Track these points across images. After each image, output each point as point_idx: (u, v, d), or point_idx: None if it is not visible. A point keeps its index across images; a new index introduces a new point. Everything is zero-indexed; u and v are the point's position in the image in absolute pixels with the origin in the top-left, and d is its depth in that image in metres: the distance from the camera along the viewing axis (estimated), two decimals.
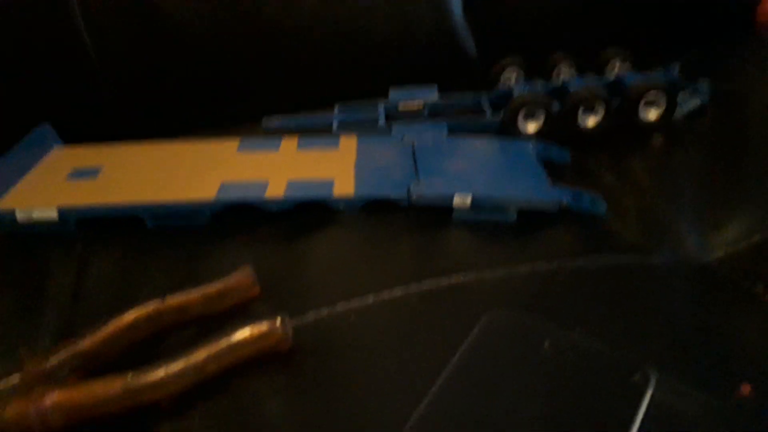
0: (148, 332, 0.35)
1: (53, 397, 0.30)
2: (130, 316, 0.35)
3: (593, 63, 0.63)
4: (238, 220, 0.45)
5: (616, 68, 0.62)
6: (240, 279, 0.37)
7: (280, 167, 0.49)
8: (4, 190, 0.46)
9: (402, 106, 0.61)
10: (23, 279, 0.41)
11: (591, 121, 0.55)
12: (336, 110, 0.61)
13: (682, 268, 0.41)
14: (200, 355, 0.31)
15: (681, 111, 0.57)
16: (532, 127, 0.55)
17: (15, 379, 0.31)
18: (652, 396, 0.28)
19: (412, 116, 0.60)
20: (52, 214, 0.44)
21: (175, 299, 0.36)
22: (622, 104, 0.55)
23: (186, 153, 0.52)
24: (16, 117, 0.55)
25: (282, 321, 0.33)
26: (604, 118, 0.55)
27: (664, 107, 0.55)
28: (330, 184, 0.47)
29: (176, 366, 0.31)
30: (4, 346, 0.36)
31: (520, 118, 0.55)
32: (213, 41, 0.60)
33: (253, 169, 0.49)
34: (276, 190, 0.46)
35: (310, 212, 0.45)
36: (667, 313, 0.36)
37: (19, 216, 0.44)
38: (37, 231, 0.44)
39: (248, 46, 0.61)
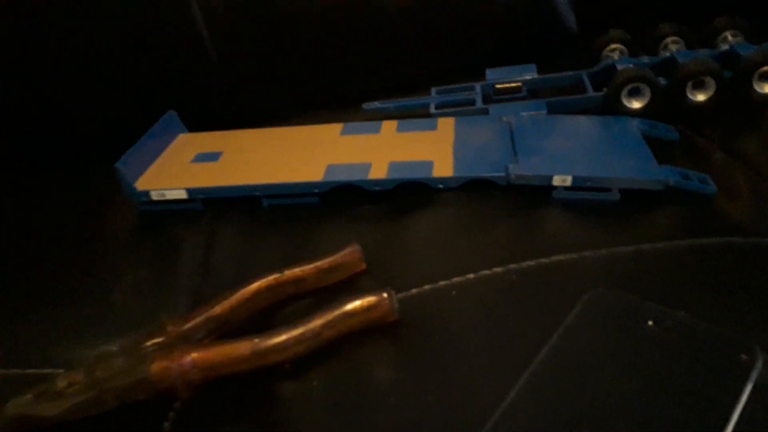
0: (269, 300, 0.39)
1: (192, 356, 0.33)
2: (254, 285, 0.38)
3: (703, 35, 0.60)
4: (343, 200, 0.47)
5: (728, 40, 0.59)
6: (349, 255, 0.40)
7: (381, 149, 0.51)
8: (140, 173, 0.51)
9: (499, 87, 0.61)
10: (160, 252, 0.46)
11: (701, 97, 0.53)
12: (433, 92, 0.62)
13: None
14: (317, 322, 0.34)
15: None
16: (637, 104, 0.54)
17: (158, 339, 0.35)
18: (759, 376, 0.27)
19: (510, 96, 0.60)
20: (181, 194, 0.49)
21: (292, 271, 0.39)
22: (734, 78, 0.52)
23: (295, 137, 0.56)
24: (145, 106, 0.60)
25: (389, 294, 0.35)
26: (715, 93, 0.52)
27: None
28: (430, 165, 0.48)
29: (296, 331, 0.34)
30: (146, 309, 0.41)
31: (625, 94, 0.54)
32: (317, 27, 0.63)
33: (357, 152, 0.51)
34: (378, 172, 0.48)
35: (411, 192, 0.47)
36: None
37: (154, 196, 0.49)
38: (169, 209, 0.50)
39: (350, 31, 0.64)
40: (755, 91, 0.52)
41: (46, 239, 0.50)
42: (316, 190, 0.48)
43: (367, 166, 0.49)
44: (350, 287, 0.39)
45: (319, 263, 0.39)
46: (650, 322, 0.31)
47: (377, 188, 0.48)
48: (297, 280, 0.39)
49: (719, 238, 0.39)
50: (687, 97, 0.53)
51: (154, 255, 0.46)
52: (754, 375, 0.27)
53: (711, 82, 0.52)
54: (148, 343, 0.35)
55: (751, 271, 0.37)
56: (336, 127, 0.56)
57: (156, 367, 0.33)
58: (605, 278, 0.37)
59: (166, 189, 0.49)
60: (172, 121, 0.58)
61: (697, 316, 0.32)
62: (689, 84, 0.52)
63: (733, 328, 0.32)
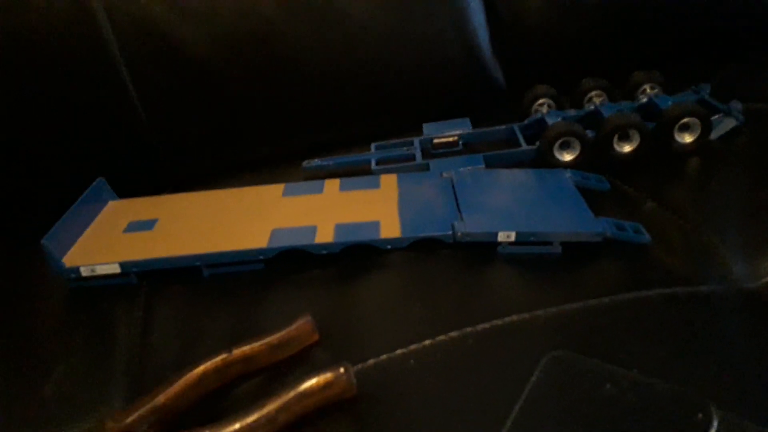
0: (217, 383, 0.37)
1: None
2: (200, 368, 0.36)
3: (623, 88, 0.64)
4: (290, 265, 0.46)
5: (647, 92, 0.63)
6: (300, 327, 0.38)
7: (326, 211, 0.51)
8: (68, 246, 0.48)
9: (437, 141, 0.62)
10: (94, 335, 0.43)
11: (627, 148, 0.56)
12: (373, 148, 0.63)
13: (731, 297, 0.41)
14: (271, 406, 0.33)
15: (716, 133, 0.57)
16: (568, 156, 0.56)
17: None
18: None
19: (447, 150, 0.61)
20: (114, 268, 0.46)
21: (241, 350, 0.37)
22: (656, 129, 0.56)
23: (235, 200, 0.54)
24: (72, 173, 0.57)
25: (346, 369, 0.34)
26: (640, 145, 0.55)
27: (699, 130, 0.55)
28: (376, 226, 0.48)
29: (249, 418, 0.32)
30: (82, 403, 0.37)
31: (556, 147, 0.56)
32: (247, 87, 0.62)
33: (301, 214, 0.51)
34: (325, 235, 0.47)
35: (358, 254, 0.46)
36: (721, 345, 0.37)
37: (84, 272, 0.46)
38: (101, 285, 0.47)
39: (282, 90, 0.63)
40: (676, 141, 0.56)
41: None
42: (262, 257, 0.47)
43: (312, 229, 0.48)
44: (303, 361, 0.38)
45: (269, 339, 0.38)
46: (608, 385, 0.31)
47: (324, 252, 0.47)
48: (246, 359, 0.37)
49: (659, 290, 0.41)
50: (614, 148, 0.56)
51: (87, 338, 0.43)
52: None
53: (635, 134, 0.55)
54: None
55: (693, 319, 0.39)
56: (277, 188, 0.55)
57: None
58: (559, 338, 0.37)
59: (96, 264, 0.46)
60: (102, 188, 0.55)
61: (651, 371, 0.33)
62: (615, 136, 0.55)
63: (686, 381, 0.33)
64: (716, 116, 0.57)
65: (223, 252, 0.46)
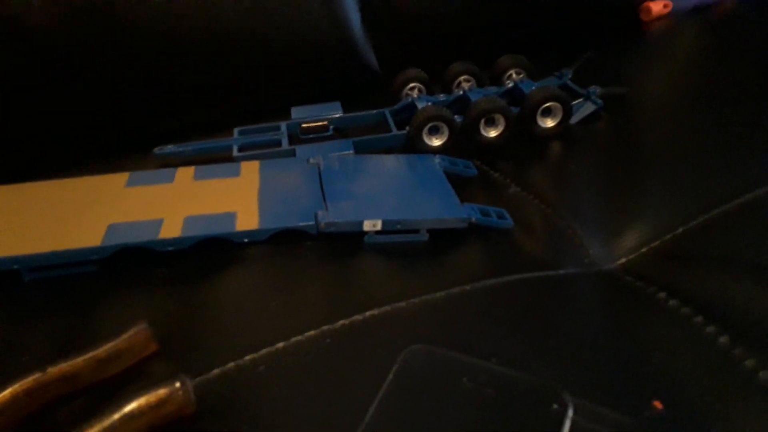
0: (31, 408, 0.31)
1: None
2: (6, 392, 0.31)
3: (491, 73, 0.64)
4: (130, 266, 0.41)
5: (513, 77, 0.63)
6: (134, 337, 0.34)
7: (175, 202, 0.46)
8: None
9: (305, 126, 0.59)
10: None
11: (493, 133, 0.56)
12: (235, 133, 0.58)
13: (588, 279, 0.42)
14: (99, 427, 0.28)
15: (577, 117, 0.58)
16: (437, 141, 0.55)
17: None
18: (572, 423, 0.28)
19: (317, 135, 0.58)
20: None
21: (59, 368, 0.32)
22: (521, 114, 0.56)
23: (68, 192, 0.47)
24: None
25: (182, 383, 0.30)
26: (505, 129, 0.55)
27: (561, 115, 0.56)
28: (232, 217, 0.44)
29: None
30: None
31: (426, 132, 0.55)
32: (90, 61, 0.55)
33: (145, 207, 0.45)
34: (171, 229, 0.42)
35: (211, 250, 0.42)
36: (577, 328, 0.37)
37: None
38: None
39: (128, 66, 0.56)
40: (539, 125, 0.56)
41: None
42: (95, 257, 0.41)
43: (158, 223, 0.43)
44: (138, 376, 0.33)
45: (95, 353, 0.33)
46: (465, 379, 0.30)
47: (171, 248, 0.42)
48: (66, 378, 0.32)
49: (520, 275, 0.40)
50: (480, 133, 0.55)
51: None
52: (566, 424, 0.27)
53: (501, 119, 0.55)
54: None
55: (550, 303, 0.39)
56: (120, 178, 0.49)
57: None
58: (420, 330, 0.36)
59: None
60: None
61: (509, 361, 0.32)
62: (482, 121, 0.55)
63: (542, 369, 0.33)
64: (577, 101, 0.59)
65: (46, 253, 0.40)
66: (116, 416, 0.29)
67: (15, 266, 0.40)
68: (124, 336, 0.33)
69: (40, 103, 0.54)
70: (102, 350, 0.33)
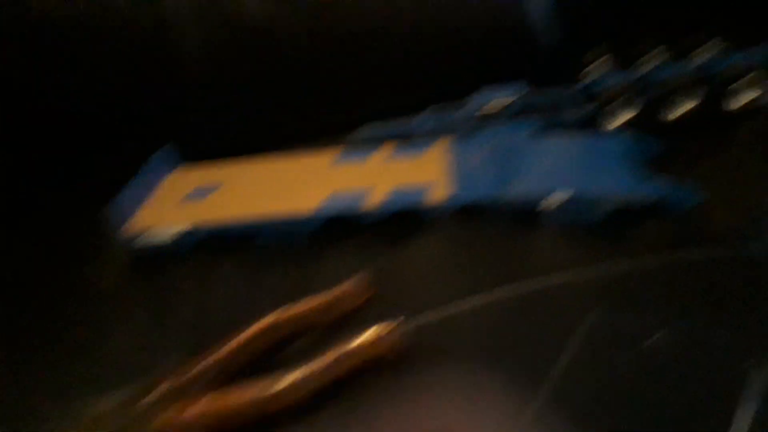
0: (272, 341, 0.38)
1: (193, 411, 0.33)
2: (253, 328, 0.37)
3: (685, 48, 0.61)
4: (344, 229, 0.48)
5: (709, 52, 0.60)
6: (354, 285, 0.40)
7: (379, 175, 0.52)
8: (131, 214, 0.51)
9: (492, 105, 0.62)
10: (154, 298, 0.45)
11: (683, 110, 0.54)
12: (428, 114, 0.63)
13: None
14: (323, 361, 0.34)
15: None
16: (623, 119, 0.55)
17: (157, 393, 0.34)
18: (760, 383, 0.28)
19: (503, 114, 0.61)
20: (174, 234, 0.48)
21: (293, 309, 0.39)
22: (715, 90, 0.54)
23: (292, 166, 0.56)
24: (142, 141, 0.60)
25: (396, 325, 0.36)
26: (697, 106, 0.54)
27: (760, 91, 0.53)
28: (426, 190, 0.49)
29: (300, 374, 0.34)
30: (140, 361, 0.39)
31: (612, 110, 0.55)
32: (307, 56, 0.64)
33: (355, 179, 0.52)
34: (377, 199, 0.49)
35: (410, 218, 0.48)
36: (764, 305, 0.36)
37: (145, 238, 0.49)
38: (162, 251, 0.48)
39: (340, 56, 0.64)
40: (734, 102, 0.54)
41: (32, 290, 0.48)
42: (316, 222, 0.48)
43: (365, 194, 0.49)
44: (359, 318, 0.39)
45: (322, 297, 0.39)
46: (653, 338, 0.31)
47: (377, 216, 0.48)
48: (299, 318, 0.39)
49: (708, 248, 0.40)
50: (669, 110, 0.54)
51: (148, 302, 0.45)
52: (757, 382, 0.28)
53: (693, 95, 0.53)
54: (147, 399, 0.34)
55: (739, 279, 0.38)
56: (333, 154, 0.57)
57: (157, 424, 0.32)
58: (605, 296, 0.37)
59: (157, 230, 0.49)
60: (168, 156, 0.58)
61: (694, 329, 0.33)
62: (673, 97, 0.54)
63: (730, 336, 0.33)
64: None
65: (277, 218, 0.48)
66: (344, 349, 0.35)
67: (255, 229, 0.48)
68: (347, 283, 0.40)
69: (270, 91, 0.64)
70: (328, 295, 0.39)
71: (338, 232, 0.48)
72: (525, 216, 0.46)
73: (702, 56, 0.59)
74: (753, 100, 0.53)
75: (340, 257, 0.46)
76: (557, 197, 0.46)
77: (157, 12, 0.60)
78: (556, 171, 0.49)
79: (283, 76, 0.64)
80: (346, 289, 0.40)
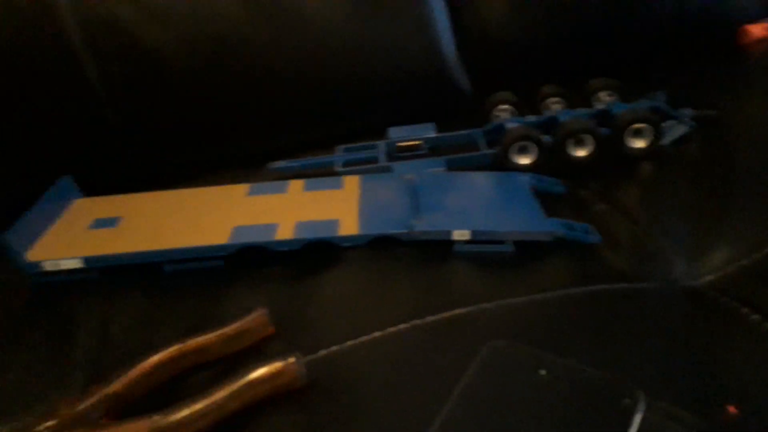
0: (171, 373, 0.37)
1: None
2: (154, 358, 0.37)
3: (581, 95, 0.66)
4: (250, 262, 0.47)
5: (603, 99, 0.65)
6: (255, 320, 0.40)
7: (288, 209, 0.52)
8: (32, 242, 0.49)
9: (401, 144, 0.64)
10: (55, 326, 0.44)
11: (581, 153, 0.58)
12: (339, 151, 0.64)
13: (671, 294, 0.43)
14: (220, 393, 0.34)
15: (668, 138, 0.59)
16: (525, 160, 0.58)
17: (51, 422, 0.33)
18: (642, 419, 0.30)
19: (412, 153, 0.63)
20: (77, 263, 0.47)
21: (194, 341, 0.38)
22: (610, 134, 0.58)
23: (199, 199, 0.55)
24: (38, 172, 0.58)
25: (296, 359, 0.35)
26: (594, 149, 0.57)
27: (651, 136, 0.57)
28: (336, 224, 0.49)
29: (198, 405, 0.33)
30: (38, 390, 0.38)
31: (514, 151, 0.58)
32: (212, 88, 0.63)
33: (263, 212, 0.52)
34: (285, 232, 0.48)
35: (317, 251, 0.48)
36: (657, 338, 0.38)
37: (47, 266, 0.47)
38: (63, 280, 0.47)
39: (247, 94, 0.64)
40: (628, 146, 0.58)
41: None
42: (222, 254, 0.48)
43: (273, 227, 0.49)
44: (257, 353, 0.39)
45: (223, 330, 0.39)
46: (542, 371, 0.33)
47: (284, 249, 0.48)
48: (200, 350, 0.38)
49: (602, 284, 0.43)
50: (569, 153, 0.58)
51: (47, 332, 0.44)
52: (637, 418, 0.29)
53: (590, 139, 0.57)
54: (40, 427, 0.33)
55: (632, 314, 0.41)
56: (242, 188, 0.56)
57: None
58: (502, 329, 0.39)
59: (60, 259, 0.47)
60: (67, 186, 0.56)
61: (586, 361, 0.35)
62: (570, 141, 0.57)
63: (619, 371, 0.35)
64: (668, 122, 0.60)
65: (184, 248, 0.47)
66: (241, 382, 0.34)
67: (158, 259, 0.47)
68: (247, 318, 0.39)
69: (169, 123, 0.63)
70: (229, 329, 0.39)
71: (247, 264, 0.47)
72: (432, 251, 0.47)
73: (601, 101, 0.64)
74: (648, 145, 0.57)
75: (248, 289, 0.46)
76: (463, 233, 0.47)
77: (57, 41, 0.58)
78: (462, 208, 0.51)
79: (192, 110, 0.63)
80: (250, 321, 0.39)
